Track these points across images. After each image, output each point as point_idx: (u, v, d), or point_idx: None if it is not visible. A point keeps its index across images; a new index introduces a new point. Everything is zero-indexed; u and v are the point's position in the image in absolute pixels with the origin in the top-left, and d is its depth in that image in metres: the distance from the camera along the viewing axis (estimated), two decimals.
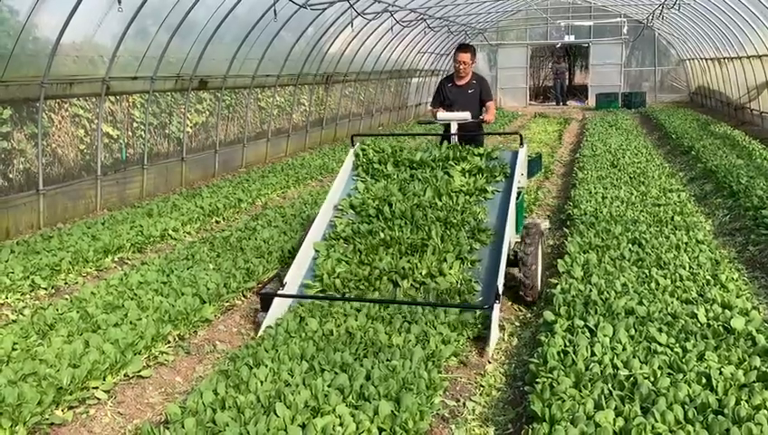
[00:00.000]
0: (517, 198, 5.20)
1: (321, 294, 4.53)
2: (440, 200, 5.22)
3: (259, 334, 4.24)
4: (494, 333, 4.16)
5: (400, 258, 4.77)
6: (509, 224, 4.85)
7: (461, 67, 6.38)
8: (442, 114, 6.16)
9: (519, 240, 4.99)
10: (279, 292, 4.56)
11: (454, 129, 5.97)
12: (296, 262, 4.82)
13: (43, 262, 5.68)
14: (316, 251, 4.98)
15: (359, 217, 5.22)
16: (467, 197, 5.25)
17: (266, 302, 4.52)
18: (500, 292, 4.32)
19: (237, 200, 8.55)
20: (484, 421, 3.37)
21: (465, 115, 5.98)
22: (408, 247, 4.85)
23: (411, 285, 4.59)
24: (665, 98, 23.92)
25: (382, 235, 4.97)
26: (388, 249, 4.87)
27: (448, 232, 4.94)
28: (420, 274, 4.63)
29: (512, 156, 5.53)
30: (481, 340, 4.20)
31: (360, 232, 5.04)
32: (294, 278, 4.74)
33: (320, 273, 4.75)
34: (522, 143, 5.55)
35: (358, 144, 5.80)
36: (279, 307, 4.49)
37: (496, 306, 4.23)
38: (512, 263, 4.85)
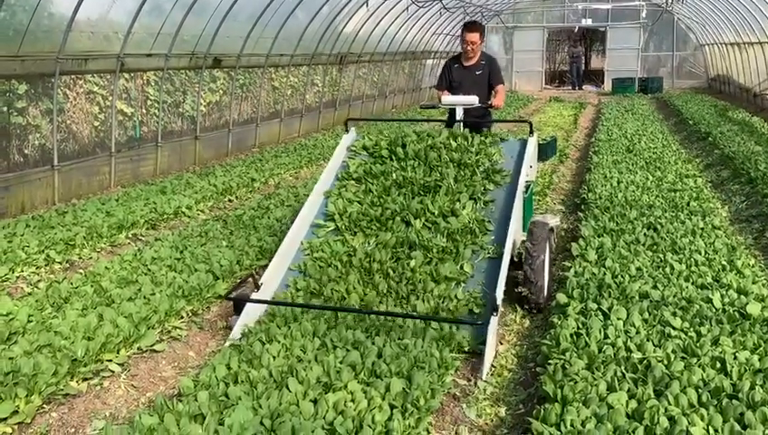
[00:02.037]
0: (525, 192, 4.76)
1: (299, 302, 4.02)
2: (455, 141, 5.12)
3: (229, 340, 3.83)
4: (490, 352, 3.67)
5: (413, 199, 4.72)
6: (513, 222, 4.34)
7: (469, 48, 5.85)
8: (447, 98, 5.68)
9: (525, 239, 4.58)
10: (252, 296, 4.08)
11: (459, 114, 5.45)
12: (273, 263, 4.35)
13: (58, 236, 5.72)
14: (327, 192, 4.91)
15: (371, 158, 5.16)
16: (482, 137, 5.16)
17: (240, 305, 4.06)
18: (498, 304, 3.80)
19: (250, 180, 8.56)
20: (496, 401, 3.37)
21: (472, 99, 5.48)
22: (420, 188, 4.80)
23: (424, 224, 4.54)
24: (682, 84, 23.61)
25: (395, 175, 4.91)
26: (401, 189, 4.81)
27: (462, 172, 4.87)
28: (433, 214, 4.58)
29: (520, 145, 5.07)
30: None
31: (373, 172, 4.99)
32: (273, 278, 4.29)
33: (331, 212, 4.70)
34: (531, 132, 5.04)
35: (353, 129, 5.41)
36: (255, 311, 4.06)
37: (493, 320, 3.70)
38: (516, 265, 4.41)
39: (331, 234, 4.64)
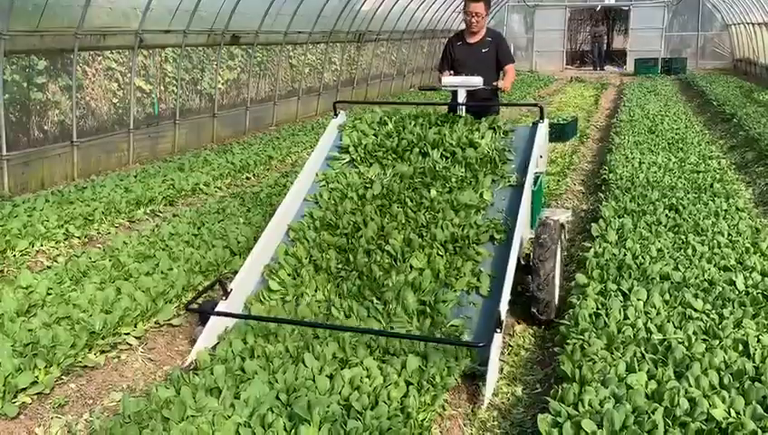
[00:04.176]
0: (534, 185, 4.24)
1: (271, 316, 3.48)
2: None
3: (188, 360, 3.33)
4: (493, 375, 3.17)
5: (430, 129, 4.62)
6: (520, 222, 3.79)
7: (473, 21, 5.24)
8: (448, 79, 5.08)
9: (532, 236, 4.11)
10: (220, 305, 3.51)
11: (461, 97, 4.88)
12: (247, 264, 3.80)
13: (77, 212, 5.76)
14: (341, 126, 4.80)
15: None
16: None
17: (206, 314, 3.50)
18: (503, 318, 3.23)
19: (268, 157, 8.55)
20: (512, 380, 3.34)
21: (477, 80, 4.92)
22: (438, 118, 4.72)
23: (442, 154, 4.45)
24: (707, 64, 23.14)
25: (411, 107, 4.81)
26: (417, 120, 4.75)
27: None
28: (451, 144, 4.47)
29: (528, 133, 4.54)
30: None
31: None
32: (246, 280, 3.76)
33: (346, 144, 4.61)
34: (542, 117, 4.46)
35: (342, 113, 4.88)
36: (224, 321, 3.50)
37: (497, 337, 3.18)
38: (522, 268, 3.90)
39: (347, 166, 4.55)
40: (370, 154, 4.53)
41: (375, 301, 3.53)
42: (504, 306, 3.29)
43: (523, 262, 3.92)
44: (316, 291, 3.69)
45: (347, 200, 4.21)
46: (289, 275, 3.78)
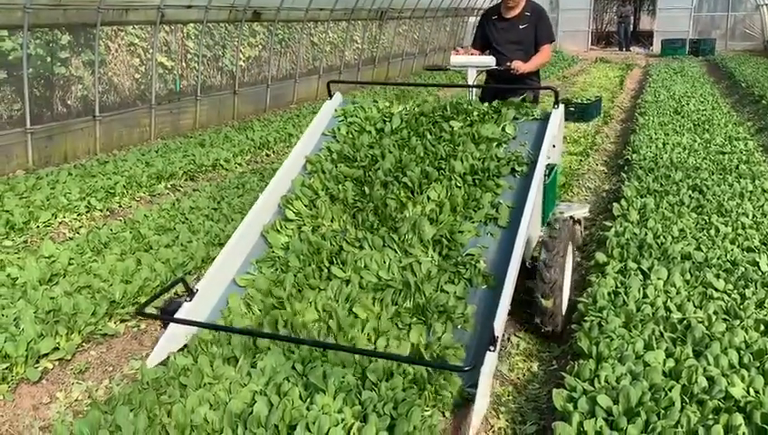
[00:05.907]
0: (548, 178, 3.77)
1: (240, 328, 3.06)
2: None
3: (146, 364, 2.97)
4: (482, 403, 2.64)
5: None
6: (525, 220, 3.31)
7: (509, 1, 4.80)
8: (456, 58, 4.66)
9: (542, 235, 3.68)
10: (184, 306, 3.12)
11: (471, 78, 4.57)
12: (216, 264, 3.38)
13: (99, 185, 5.83)
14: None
15: None
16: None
17: (169, 315, 3.07)
18: (496, 334, 2.73)
19: (288, 135, 8.56)
20: (528, 356, 3.33)
21: (488, 60, 4.58)
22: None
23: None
24: (736, 46, 22.61)
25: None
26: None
27: None
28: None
29: (540, 120, 4.09)
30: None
31: None
32: (215, 281, 3.33)
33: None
34: (557, 102, 3.99)
35: (338, 93, 4.49)
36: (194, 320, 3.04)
37: (490, 357, 2.68)
38: (528, 271, 3.40)
39: (366, 100, 4.51)
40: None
41: (390, 232, 3.48)
42: (500, 321, 2.81)
43: (528, 265, 3.41)
44: (332, 221, 3.66)
45: (365, 134, 4.16)
46: (305, 205, 3.76)
